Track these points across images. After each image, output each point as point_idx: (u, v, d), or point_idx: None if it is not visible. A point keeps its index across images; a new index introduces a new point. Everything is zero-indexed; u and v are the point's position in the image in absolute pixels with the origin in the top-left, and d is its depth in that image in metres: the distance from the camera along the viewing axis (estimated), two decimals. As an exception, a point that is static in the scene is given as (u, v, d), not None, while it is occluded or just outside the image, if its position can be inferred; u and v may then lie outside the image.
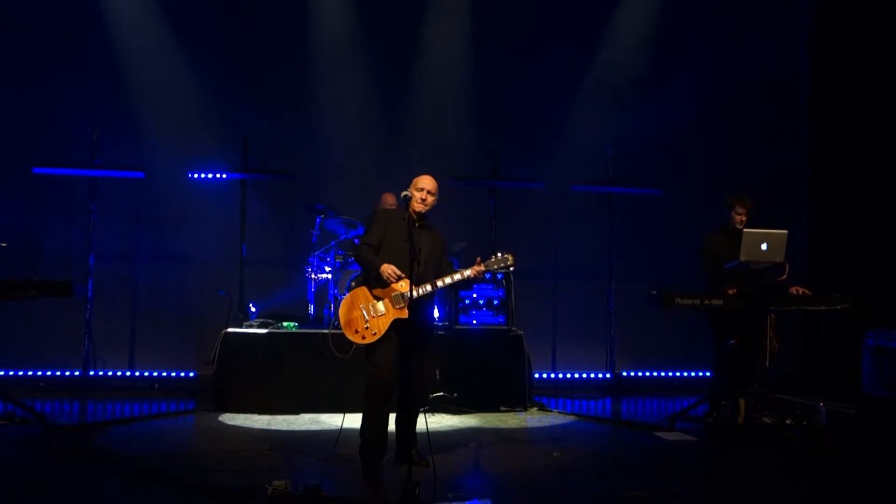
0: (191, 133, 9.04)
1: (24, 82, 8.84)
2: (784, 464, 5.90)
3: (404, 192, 5.26)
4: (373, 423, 5.16)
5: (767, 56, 10.01)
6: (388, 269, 5.12)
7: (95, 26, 8.94)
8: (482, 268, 5.24)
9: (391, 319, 5.15)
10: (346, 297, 5.29)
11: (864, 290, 7.62)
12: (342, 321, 5.22)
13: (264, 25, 9.23)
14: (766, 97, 10.00)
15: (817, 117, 9.82)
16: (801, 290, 6.90)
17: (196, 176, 8.80)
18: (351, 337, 5.18)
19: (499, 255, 5.29)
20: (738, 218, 6.94)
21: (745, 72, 10.03)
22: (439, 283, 5.23)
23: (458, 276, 5.25)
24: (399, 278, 5.12)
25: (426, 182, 5.37)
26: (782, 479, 5.53)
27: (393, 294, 5.17)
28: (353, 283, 6.84)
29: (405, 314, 5.14)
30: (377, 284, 5.21)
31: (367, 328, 5.15)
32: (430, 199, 5.35)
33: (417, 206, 5.29)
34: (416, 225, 5.27)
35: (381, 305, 5.17)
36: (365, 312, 5.16)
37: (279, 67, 9.31)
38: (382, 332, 5.14)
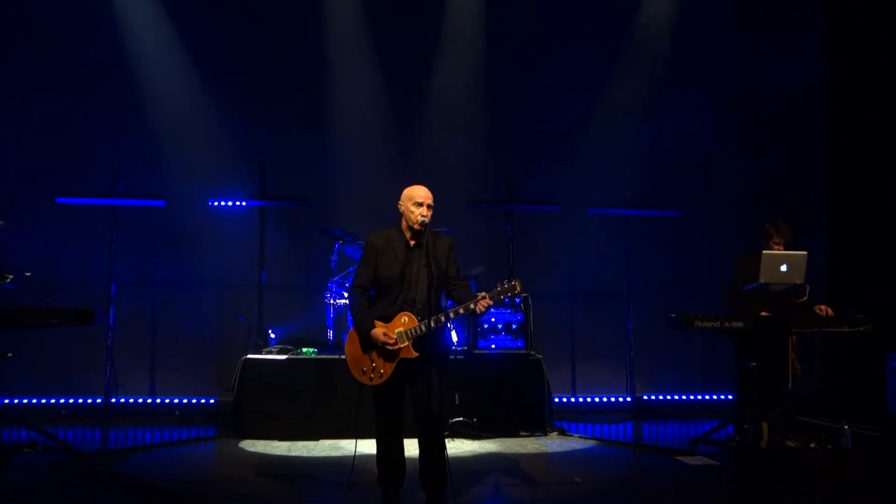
0: (210, 160, 9.11)
1: (45, 112, 8.95)
2: (808, 487, 5.82)
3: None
4: (385, 456, 5.01)
5: (783, 72, 9.97)
6: (380, 336, 4.80)
7: (115, 56, 9.06)
8: (489, 301, 4.78)
9: (397, 360, 4.83)
10: (352, 332, 4.99)
11: (885, 309, 7.55)
12: (349, 359, 4.97)
13: (280, 53, 9.30)
14: (782, 114, 9.96)
15: (835, 132, 9.79)
16: (825, 310, 6.84)
17: (216, 203, 8.89)
18: (359, 377, 4.93)
19: (504, 283, 4.82)
20: (775, 248, 6.85)
21: (761, 88, 9.99)
22: (443, 319, 4.82)
23: (462, 311, 4.85)
24: (394, 343, 4.79)
25: (425, 195, 4.96)
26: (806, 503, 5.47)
27: (397, 331, 4.83)
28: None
29: (412, 353, 4.82)
30: (380, 318, 4.88)
31: (373, 367, 4.86)
32: (430, 213, 4.94)
33: (417, 227, 4.91)
34: (414, 243, 4.94)
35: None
36: (371, 350, 4.87)
37: (295, 93, 9.38)
38: (389, 374, 4.84)
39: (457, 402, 7.42)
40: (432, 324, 4.79)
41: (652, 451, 7.24)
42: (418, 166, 9.20)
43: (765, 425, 6.53)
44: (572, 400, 9.43)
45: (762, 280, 6.53)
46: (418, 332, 4.81)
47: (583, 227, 9.45)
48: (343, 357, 5.09)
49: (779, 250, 6.83)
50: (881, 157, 9.13)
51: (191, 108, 9.18)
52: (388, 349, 4.82)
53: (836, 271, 9.46)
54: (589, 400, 9.45)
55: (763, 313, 6.72)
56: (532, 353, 7.94)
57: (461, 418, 7.42)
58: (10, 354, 6.61)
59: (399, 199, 5.08)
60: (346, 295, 8.06)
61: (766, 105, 9.93)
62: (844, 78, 9.66)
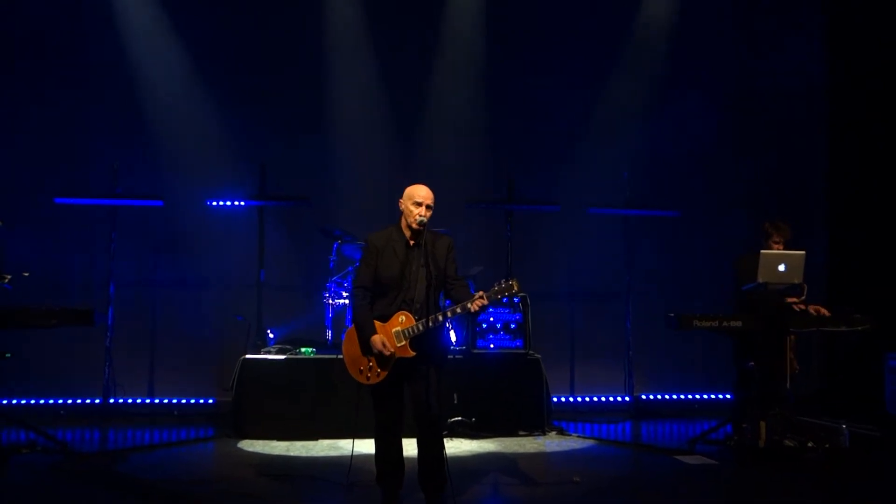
0: (209, 160, 9.12)
1: (45, 112, 8.97)
2: (807, 487, 5.83)
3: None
4: (384, 456, 5.02)
5: (783, 72, 9.96)
6: (378, 345, 4.81)
7: (115, 56, 9.06)
8: (484, 301, 4.76)
9: (395, 359, 4.84)
10: (350, 332, 5.04)
11: (884, 309, 7.55)
12: (347, 358, 4.99)
13: (280, 53, 9.31)
14: (782, 114, 9.95)
15: (835, 132, 9.78)
16: (819, 310, 6.85)
17: (215, 203, 8.90)
18: (356, 377, 4.96)
19: (502, 282, 4.81)
20: (775, 248, 6.88)
21: (761, 88, 9.97)
22: (440, 318, 4.83)
23: (459, 310, 4.85)
24: (390, 353, 4.81)
25: (425, 194, 4.97)
26: (804, 503, 5.46)
27: (394, 330, 4.85)
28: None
29: (409, 353, 4.84)
30: (379, 317, 4.92)
31: (370, 367, 4.89)
32: (429, 213, 4.96)
33: (415, 226, 4.93)
34: (412, 243, 4.96)
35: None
36: (370, 353, 4.88)
37: (295, 93, 9.38)
38: (386, 374, 4.86)
39: (455, 402, 7.43)
40: (429, 323, 4.80)
41: (651, 450, 7.25)
42: (418, 166, 9.20)
43: (763, 425, 6.53)
44: (571, 399, 9.43)
45: (760, 280, 6.53)
46: (415, 331, 4.82)
47: (583, 227, 9.44)
48: (341, 357, 5.09)
49: (778, 250, 6.84)
50: (881, 157, 9.13)
51: (191, 108, 9.19)
52: (385, 356, 4.84)
53: (836, 271, 9.46)
54: (588, 399, 9.45)
55: (791, 299, 6.74)
56: (531, 352, 7.94)
57: (460, 418, 7.43)
58: (8, 355, 6.61)
59: (401, 198, 5.09)
60: (345, 295, 8.07)
61: (766, 105, 9.91)
62: (844, 78, 9.65)
